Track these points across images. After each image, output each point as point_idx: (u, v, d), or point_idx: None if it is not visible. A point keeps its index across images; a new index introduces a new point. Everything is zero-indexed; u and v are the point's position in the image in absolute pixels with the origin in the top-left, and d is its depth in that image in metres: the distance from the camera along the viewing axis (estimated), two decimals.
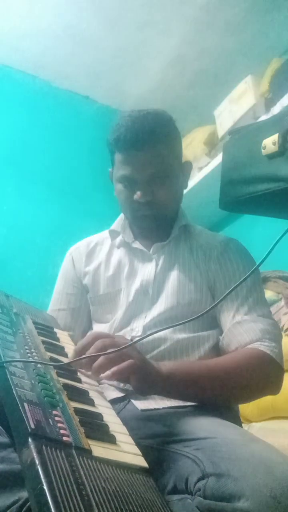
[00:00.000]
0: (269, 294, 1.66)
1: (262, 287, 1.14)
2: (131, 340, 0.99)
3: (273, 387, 0.98)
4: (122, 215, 1.21)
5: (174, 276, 1.09)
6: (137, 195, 1.06)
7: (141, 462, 0.66)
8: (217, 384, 0.90)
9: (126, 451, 0.66)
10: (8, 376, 0.66)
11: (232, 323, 1.01)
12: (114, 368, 0.77)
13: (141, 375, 0.80)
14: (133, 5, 1.93)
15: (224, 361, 0.96)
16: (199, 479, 0.64)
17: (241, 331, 0.99)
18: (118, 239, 1.19)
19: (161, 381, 0.83)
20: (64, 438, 0.58)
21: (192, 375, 0.89)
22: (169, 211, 1.12)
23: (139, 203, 1.07)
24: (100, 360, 0.79)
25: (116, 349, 0.80)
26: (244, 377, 0.92)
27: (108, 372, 0.77)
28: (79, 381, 0.84)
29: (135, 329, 1.05)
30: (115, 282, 1.13)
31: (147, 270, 1.11)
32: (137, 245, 1.16)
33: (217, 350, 1.04)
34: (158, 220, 1.11)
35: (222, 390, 0.91)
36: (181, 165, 1.14)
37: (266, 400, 1.49)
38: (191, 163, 1.20)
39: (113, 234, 1.20)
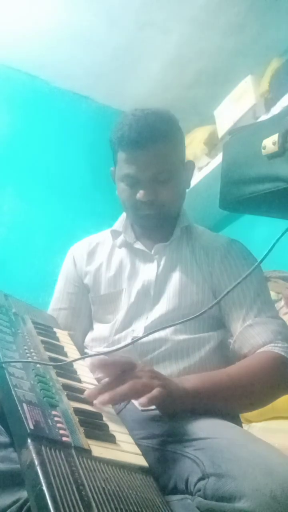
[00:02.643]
0: None
1: (268, 287, 1.14)
2: (132, 340, 0.99)
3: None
4: (123, 215, 1.20)
5: (175, 277, 1.09)
6: (140, 194, 1.06)
7: (141, 461, 0.66)
8: (240, 393, 0.90)
9: (126, 450, 0.66)
10: (7, 377, 0.66)
11: (243, 326, 1.01)
12: (148, 395, 0.73)
13: (168, 401, 0.78)
14: (133, 5, 1.92)
15: (244, 368, 0.95)
16: (199, 479, 0.64)
17: (253, 333, 0.99)
18: (120, 239, 1.18)
19: (187, 400, 0.81)
20: (64, 438, 0.58)
21: (217, 388, 0.87)
22: (172, 211, 1.12)
23: (142, 203, 1.07)
24: (125, 388, 0.75)
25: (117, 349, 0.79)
26: (264, 382, 0.92)
27: (143, 399, 0.73)
28: (79, 381, 0.84)
29: (136, 330, 1.05)
30: (117, 282, 1.13)
31: (148, 271, 1.11)
32: (138, 245, 1.15)
33: (218, 351, 1.04)
34: (160, 219, 1.10)
35: (245, 398, 0.91)
36: (184, 165, 1.14)
37: None
38: (193, 162, 1.20)
39: (115, 234, 1.20)
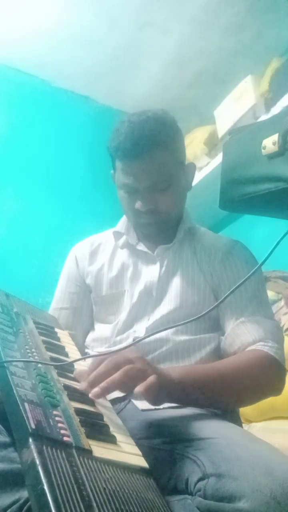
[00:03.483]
0: (269, 294, 1.65)
1: (266, 288, 1.14)
2: (133, 340, 0.99)
3: (276, 388, 0.97)
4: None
5: (177, 278, 1.09)
6: (138, 204, 1.05)
7: (142, 462, 0.66)
8: (227, 387, 0.89)
9: (127, 451, 0.66)
10: (9, 376, 0.66)
11: (235, 323, 1.01)
12: (145, 384, 0.72)
13: (159, 388, 0.76)
14: (133, 5, 1.92)
15: (232, 363, 0.94)
16: (199, 480, 0.64)
17: (245, 331, 0.99)
18: (122, 240, 1.18)
19: (174, 389, 0.81)
20: (65, 438, 0.58)
21: (202, 380, 0.87)
22: (172, 216, 1.12)
23: (141, 212, 1.06)
24: (119, 376, 0.73)
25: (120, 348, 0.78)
26: (251, 379, 0.92)
27: (140, 388, 0.72)
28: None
29: (138, 331, 1.05)
30: (119, 283, 1.13)
31: (151, 272, 1.11)
32: (141, 247, 1.15)
33: (218, 352, 1.04)
34: (161, 226, 1.10)
35: (232, 393, 0.90)
36: (184, 168, 1.12)
37: (267, 400, 1.49)
38: (194, 164, 1.18)
39: (117, 235, 1.20)
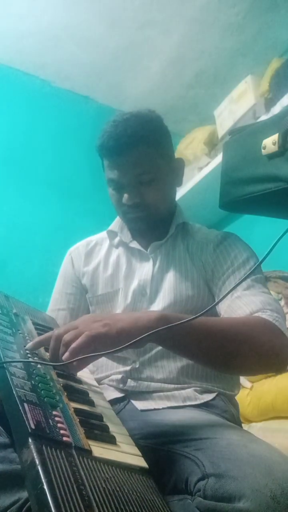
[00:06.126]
0: None
1: (262, 273, 1.12)
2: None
3: (277, 358, 0.88)
4: None
5: (171, 274, 1.09)
6: (125, 198, 1.06)
7: (141, 462, 0.66)
8: (217, 335, 0.83)
9: (126, 451, 0.67)
10: (8, 377, 0.66)
11: (231, 299, 0.97)
12: (72, 346, 0.71)
13: (109, 338, 0.73)
14: (133, 5, 1.92)
15: (226, 318, 0.91)
16: (199, 480, 0.64)
17: (241, 304, 0.95)
18: (116, 239, 1.19)
19: (152, 321, 0.77)
20: (64, 438, 0.58)
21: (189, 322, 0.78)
22: (160, 210, 1.11)
23: (128, 206, 1.07)
24: (60, 350, 0.74)
25: (119, 348, 0.74)
26: (246, 334, 0.85)
27: (66, 354, 0.71)
28: (79, 381, 0.84)
29: None
30: (114, 282, 1.13)
31: (144, 270, 1.11)
32: (134, 244, 1.16)
33: None
34: (149, 220, 1.10)
35: (223, 343, 0.83)
36: (171, 163, 1.12)
37: (266, 400, 1.49)
38: (183, 160, 1.19)
39: (111, 235, 1.20)
